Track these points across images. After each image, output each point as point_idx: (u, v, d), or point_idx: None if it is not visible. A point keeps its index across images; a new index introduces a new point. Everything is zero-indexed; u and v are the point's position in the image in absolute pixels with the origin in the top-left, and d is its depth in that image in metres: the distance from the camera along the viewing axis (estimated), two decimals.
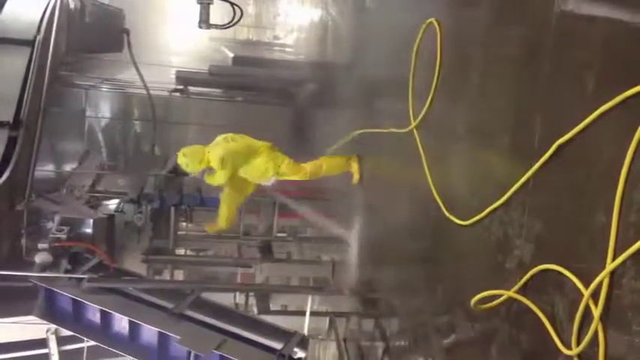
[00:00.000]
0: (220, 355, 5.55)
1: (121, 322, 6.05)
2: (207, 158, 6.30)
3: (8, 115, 6.05)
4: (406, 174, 5.05)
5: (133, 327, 5.99)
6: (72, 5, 7.85)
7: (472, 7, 4.00)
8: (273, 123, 10.63)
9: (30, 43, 6.51)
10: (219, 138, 6.54)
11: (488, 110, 3.64)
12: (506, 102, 3.38)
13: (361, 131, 6.23)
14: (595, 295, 2.42)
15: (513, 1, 3.41)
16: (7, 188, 5.80)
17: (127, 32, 10.11)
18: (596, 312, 2.40)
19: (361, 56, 6.95)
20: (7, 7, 7.14)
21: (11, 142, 5.96)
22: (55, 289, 6.09)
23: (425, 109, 4.51)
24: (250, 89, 11.46)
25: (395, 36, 5.62)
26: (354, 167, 6.47)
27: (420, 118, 4.61)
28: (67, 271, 6.38)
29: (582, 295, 2.48)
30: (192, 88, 11.06)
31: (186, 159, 6.32)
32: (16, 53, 6.53)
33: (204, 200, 8.73)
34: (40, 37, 6.54)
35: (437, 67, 4.29)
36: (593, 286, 2.41)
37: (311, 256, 8.84)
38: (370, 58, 6.53)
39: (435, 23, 4.38)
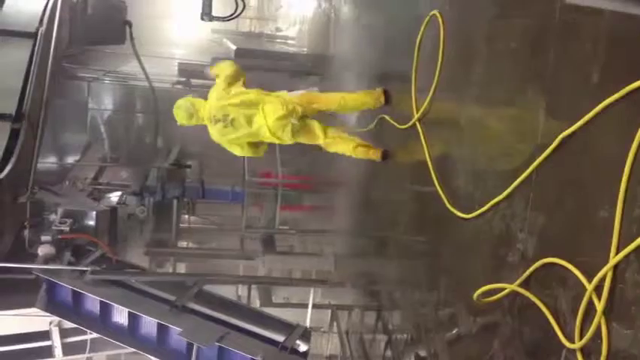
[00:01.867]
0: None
1: (122, 314, 6.06)
2: (201, 115, 5.76)
3: (11, 108, 6.04)
4: (408, 165, 5.04)
5: (133, 319, 6.01)
6: None
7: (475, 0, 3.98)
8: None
9: (32, 36, 6.49)
10: (213, 98, 5.74)
11: (491, 102, 3.62)
12: (510, 94, 3.37)
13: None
14: (598, 289, 2.41)
15: None
16: (10, 181, 5.79)
17: (130, 24, 10.07)
18: (599, 306, 2.39)
19: (364, 48, 6.92)
20: None
21: (14, 135, 5.96)
22: (57, 282, 6.11)
23: (427, 101, 4.50)
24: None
25: (398, 28, 5.60)
26: (374, 155, 5.69)
27: (422, 110, 4.59)
28: (69, 264, 6.40)
29: (585, 289, 2.47)
30: (194, 81, 11.05)
31: (178, 111, 5.82)
32: (18, 45, 6.51)
33: (207, 192, 8.75)
34: (42, 30, 6.51)
35: (439, 60, 4.27)
36: (596, 280, 2.41)
37: (313, 248, 8.86)
38: (373, 50, 6.51)
39: (438, 15, 4.36)
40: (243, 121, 5.65)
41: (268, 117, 5.59)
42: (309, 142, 5.90)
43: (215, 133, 5.79)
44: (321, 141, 5.83)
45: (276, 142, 5.92)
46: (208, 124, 5.79)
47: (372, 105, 5.77)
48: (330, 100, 5.90)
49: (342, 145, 5.83)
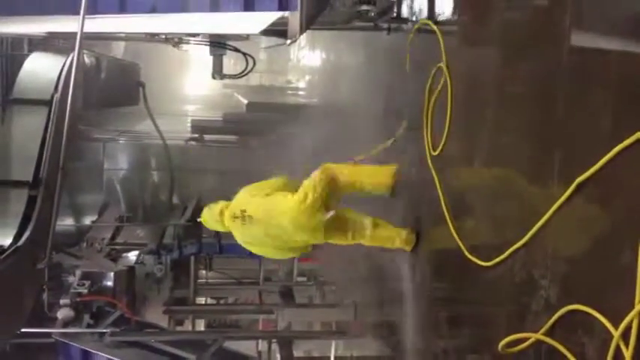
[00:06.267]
0: None
1: None
2: (224, 222, 4.78)
3: (28, 175, 6.13)
4: (425, 212, 5.02)
5: None
6: (88, 61, 8.01)
7: (481, 48, 4.03)
8: (288, 167, 10.64)
9: (47, 103, 6.63)
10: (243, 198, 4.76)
11: (505, 149, 3.62)
12: (523, 140, 3.37)
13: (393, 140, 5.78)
14: (625, 335, 2.36)
15: (522, 40, 3.43)
16: (29, 247, 5.83)
17: (143, 85, 10.29)
18: (627, 353, 2.34)
19: (375, 98, 6.98)
20: (24, 67, 7.30)
21: (31, 201, 6.02)
22: (77, 345, 6.08)
23: (439, 149, 4.51)
24: (265, 134, 11.56)
25: (406, 79, 5.65)
26: (405, 240, 5.01)
27: (435, 156, 4.60)
28: (89, 326, 6.39)
29: (612, 336, 2.42)
30: (207, 136, 11.17)
31: (205, 216, 4.96)
32: (34, 113, 6.65)
33: (223, 248, 8.73)
34: (57, 96, 6.65)
35: (449, 110, 4.29)
36: (622, 326, 2.36)
37: (332, 298, 8.76)
38: (384, 99, 6.56)
39: (444, 67, 4.41)
40: (261, 214, 4.57)
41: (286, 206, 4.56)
42: (343, 240, 4.94)
43: (237, 233, 4.77)
44: (367, 232, 4.85)
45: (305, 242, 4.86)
46: (232, 226, 4.73)
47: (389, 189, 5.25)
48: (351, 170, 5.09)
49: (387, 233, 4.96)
